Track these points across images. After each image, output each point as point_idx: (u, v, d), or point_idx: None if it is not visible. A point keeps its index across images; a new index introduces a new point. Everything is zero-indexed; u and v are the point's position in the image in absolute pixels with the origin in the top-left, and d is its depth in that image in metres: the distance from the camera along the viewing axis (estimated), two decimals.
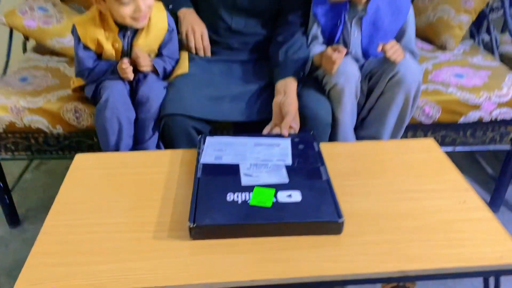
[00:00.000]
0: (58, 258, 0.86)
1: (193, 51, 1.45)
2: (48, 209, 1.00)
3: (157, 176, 1.10)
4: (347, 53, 1.30)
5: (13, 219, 1.67)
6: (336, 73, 1.26)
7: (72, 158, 1.19)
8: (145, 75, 1.30)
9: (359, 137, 1.39)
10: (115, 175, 1.11)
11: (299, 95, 1.30)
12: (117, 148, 1.26)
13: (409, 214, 0.97)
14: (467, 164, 1.94)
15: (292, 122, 1.23)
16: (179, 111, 1.25)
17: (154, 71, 1.32)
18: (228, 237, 0.90)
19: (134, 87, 1.30)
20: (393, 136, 1.38)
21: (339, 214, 0.90)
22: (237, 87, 1.38)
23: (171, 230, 0.93)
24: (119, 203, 1.01)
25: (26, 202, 1.79)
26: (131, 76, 1.26)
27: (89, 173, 1.12)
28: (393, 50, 1.26)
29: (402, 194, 1.04)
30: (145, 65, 1.27)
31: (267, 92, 1.36)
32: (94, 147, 1.50)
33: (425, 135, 1.52)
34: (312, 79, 1.38)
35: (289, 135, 1.19)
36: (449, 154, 1.21)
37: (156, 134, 1.29)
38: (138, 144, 1.29)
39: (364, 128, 1.40)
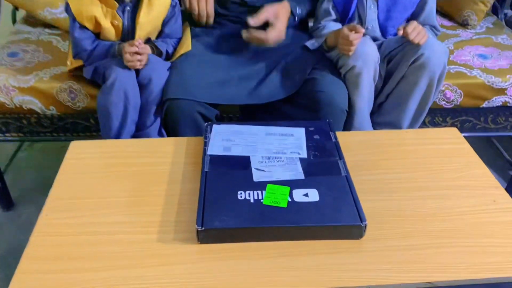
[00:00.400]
0: (51, 264, 0.78)
1: (196, 16, 1.32)
2: (43, 190, 0.92)
3: (160, 167, 1.01)
4: (364, 33, 1.19)
5: (7, 202, 1.59)
6: (353, 55, 1.16)
7: (67, 140, 1.10)
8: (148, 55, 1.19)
9: (375, 123, 1.30)
10: (114, 166, 1.02)
11: (313, 79, 1.19)
12: (118, 135, 1.17)
13: (436, 215, 0.89)
14: (483, 147, 1.85)
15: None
16: (183, 95, 1.15)
17: (157, 53, 1.21)
18: (239, 240, 0.82)
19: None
20: (413, 123, 1.29)
21: (361, 217, 0.82)
22: (245, 67, 1.27)
23: (176, 232, 0.85)
24: (119, 199, 0.93)
25: (20, 183, 1.70)
26: (143, 64, 1.15)
27: (86, 164, 1.03)
28: (415, 32, 1.15)
29: (426, 191, 0.95)
30: (142, 63, 1.16)
31: (278, 72, 1.25)
32: (92, 129, 1.41)
33: (444, 120, 1.43)
34: (327, 60, 1.27)
35: (304, 123, 1.09)
36: (466, 137, 1.13)
37: (158, 120, 1.20)
38: (138, 130, 1.19)
39: (382, 114, 1.30)
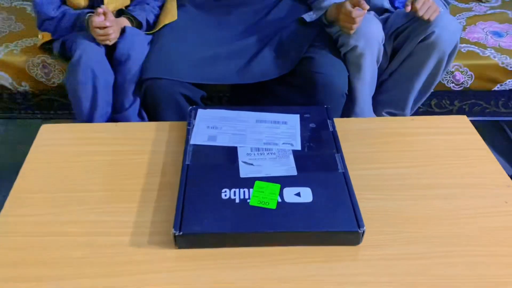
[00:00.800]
0: (11, 270, 0.70)
1: None
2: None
3: (138, 157, 0.92)
4: (369, 9, 1.06)
5: None
6: (355, 33, 1.04)
7: (44, 118, 0.99)
8: (124, 28, 1.06)
9: (376, 100, 1.19)
10: (87, 155, 0.92)
11: (309, 57, 1.08)
12: (90, 118, 1.06)
13: (442, 218, 0.80)
14: (490, 131, 1.74)
15: None
16: (164, 74, 1.03)
17: (136, 24, 1.08)
18: (222, 246, 0.73)
19: None
20: (414, 103, 1.18)
21: (359, 222, 0.73)
22: (235, 42, 1.15)
23: (152, 234, 0.76)
24: (90, 194, 0.83)
25: None
26: (112, 41, 1.02)
27: (56, 151, 0.93)
28: (425, 7, 1.02)
29: (432, 189, 0.86)
30: (112, 38, 1.03)
31: (271, 48, 1.13)
32: (70, 106, 1.29)
33: (451, 103, 1.32)
34: (327, 36, 1.15)
35: (298, 109, 0.98)
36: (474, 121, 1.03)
37: (138, 101, 1.08)
38: (116, 113, 1.08)
39: (383, 91, 1.19)
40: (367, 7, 0.99)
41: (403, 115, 1.18)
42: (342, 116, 1.13)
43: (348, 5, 1.01)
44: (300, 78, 1.09)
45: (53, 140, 0.96)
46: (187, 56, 1.07)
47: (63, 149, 0.94)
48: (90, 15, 1.02)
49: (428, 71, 1.11)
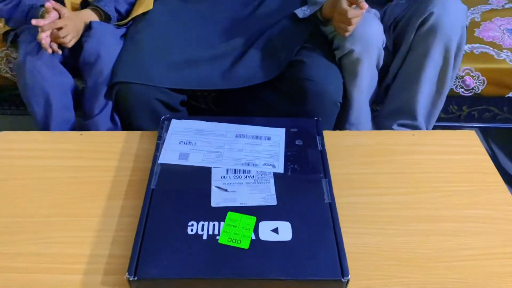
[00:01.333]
0: None
1: None
2: None
3: (102, 174, 0.82)
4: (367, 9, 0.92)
5: None
6: (351, 36, 0.91)
7: (13, 114, 0.89)
8: (91, 23, 0.93)
9: (384, 112, 1.07)
10: (45, 170, 0.83)
11: (300, 61, 0.95)
12: (46, 125, 0.94)
13: (440, 259, 0.70)
14: (503, 137, 1.59)
15: None
16: (136, 78, 0.92)
17: (105, 17, 0.96)
18: None
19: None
20: (431, 111, 1.05)
21: (343, 269, 0.63)
22: (220, 41, 1.02)
23: (107, 273, 0.66)
24: (43, 220, 0.74)
25: None
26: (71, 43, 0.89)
27: (10, 165, 0.83)
28: None
29: (431, 222, 0.75)
30: (68, 40, 0.90)
31: (259, 48, 1.00)
32: None
33: (459, 109, 1.20)
34: (321, 37, 1.02)
35: (285, 122, 0.87)
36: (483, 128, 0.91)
37: (110, 105, 0.97)
38: (85, 119, 0.97)
39: (390, 100, 1.06)
40: (366, 6, 0.86)
41: (418, 126, 1.06)
42: (336, 124, 1.02)
43: (344, 3, 0.87)
44: (288, 84, 0.97)
45: (8, 150, 0.86)
46: (164, 57, 0.95)
47: (18, 162, 0.84)
48: (44, 7, 0.89)
49: (435, 66, 0.98)
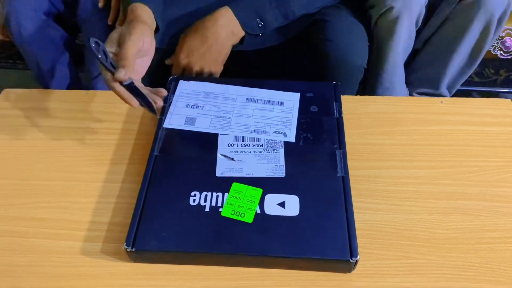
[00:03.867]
0: None
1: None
2: None
3: (105, 137, 0.79)
4: None
5: None
6: None
7: (24, 69, 0.87)
8: None
9: (406, 81, 0.99)
10: (47, 131, 0.80)
11: (322, 20, 0.86)
12: (44, 82, 0.90)
13: (458, 240, 0.64)
14: None
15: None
16: None
17: None
18: (184, 263, 0.62)
19: None
20: (455, 80, 0.97)
21: (352, 249, 0.59)
22: None
23: (107, 240, 0.65)
24: (44, 183, 0.72)
25: None
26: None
27: (12, 124, 0.81)
28: None
29: (451, 199, 0.70)
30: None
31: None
32: None
33: (496, 72, 1.10)
34: None
35: (300, 85, 0.80)
36: None
37: None
38: (91, 78, 0.93)
39: (416, 69, 0.97)
40: None
41: (440, 94, 0.98)
42: (367, 88, 0.94)
43: None
44: (307, 46, 0.89)
45: (11, 109, 0.84)
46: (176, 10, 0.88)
47: (21, 121, 0.81)
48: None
49: (472, 39, 0.89)
